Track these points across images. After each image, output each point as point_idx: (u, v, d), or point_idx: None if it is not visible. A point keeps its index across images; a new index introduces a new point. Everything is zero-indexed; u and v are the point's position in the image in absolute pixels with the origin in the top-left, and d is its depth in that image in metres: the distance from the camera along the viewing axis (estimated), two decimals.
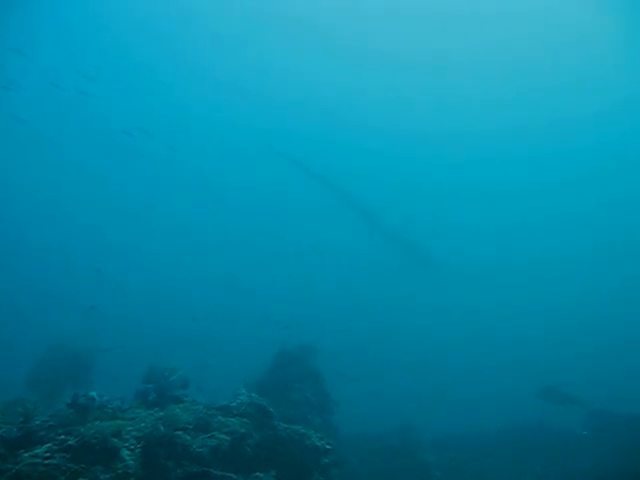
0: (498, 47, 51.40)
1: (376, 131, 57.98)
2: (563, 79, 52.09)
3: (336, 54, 55.13)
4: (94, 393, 10.45)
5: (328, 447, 11.24)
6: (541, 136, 56.26)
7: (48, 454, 8.30)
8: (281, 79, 56.78)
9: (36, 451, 8.34)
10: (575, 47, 48.91)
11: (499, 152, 57.57)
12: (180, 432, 9.76)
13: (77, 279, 36.09)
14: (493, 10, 48.55)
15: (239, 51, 54.50)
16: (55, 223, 46.95)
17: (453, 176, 56.61)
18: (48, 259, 41.25)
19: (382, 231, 36.55)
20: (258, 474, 9.85)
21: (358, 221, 37.97)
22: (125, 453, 8.64)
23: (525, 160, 57.25)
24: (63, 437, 8.75)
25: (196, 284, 40.26)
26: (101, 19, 48.01)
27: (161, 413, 10.30)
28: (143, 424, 9.88)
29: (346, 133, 57.88)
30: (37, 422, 9.46)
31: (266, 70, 56.01)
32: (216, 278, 40.66)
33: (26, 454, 8.24)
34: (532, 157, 57.28)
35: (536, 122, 55.57)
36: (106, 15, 47.86)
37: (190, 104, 57.06)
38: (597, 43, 46.38)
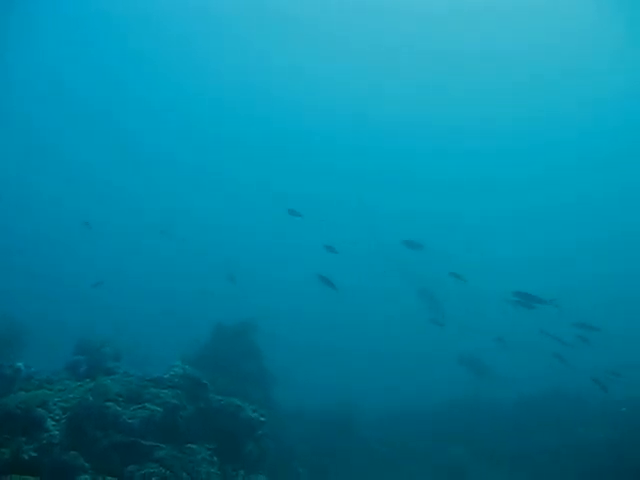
0: (497, 39, 51.73)
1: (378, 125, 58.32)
2: (562, 70, 52.65)
3: (337, 51, 54.79)
4: (21, 364, 10.17)
5: (262, 419, 11.32)
6: (540, 127, 57.15)
7: None
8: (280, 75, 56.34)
9: None
10: (574, 38, 49.41)
11: (497, 144, 58.40)
12: (110, 403, 9.59)
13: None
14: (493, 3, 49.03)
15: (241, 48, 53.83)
16: None
17: (453, 168, 57.32)
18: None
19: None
20: (191, 445, 9.82)
21: None
22: (50, 423, 8.43)
23: (522, 151, 58.07)
24: None
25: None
26: (103, 15, 46.65)
27: (91, 384, 10.10)
28: (71, 395, 9.67)
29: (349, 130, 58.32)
30: None
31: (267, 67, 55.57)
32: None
33: None
34: (530, 148, 58.06)
35: (533, 113, 56.29)
36: (108, 11, 46.53)
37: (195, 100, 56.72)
38: (596, 34, 46.74)
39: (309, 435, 17.23)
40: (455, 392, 21.58)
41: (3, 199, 40.01)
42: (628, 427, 17.32)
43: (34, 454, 7.73)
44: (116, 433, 8.84)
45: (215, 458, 9.94)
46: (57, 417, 8.72)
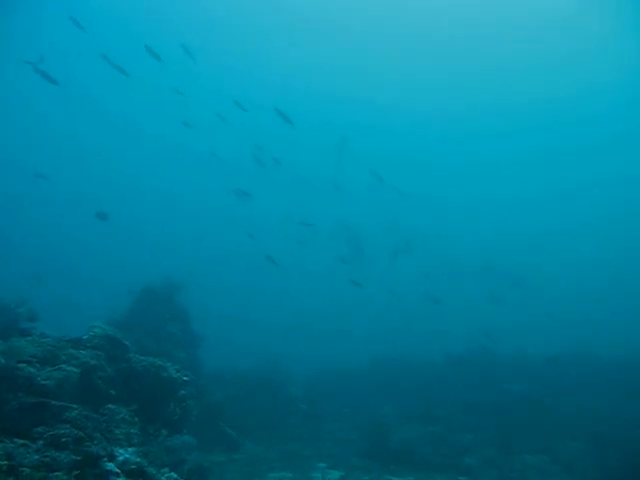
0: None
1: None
2: (552, 58, 53.31)
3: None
4: None
5: (185, 379, 11.25)
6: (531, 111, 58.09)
7: None
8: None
9: None
10: (564, 28, 49.82)
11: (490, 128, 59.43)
12: (23, 364, 9.24)
13: None
14: None
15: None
16: None
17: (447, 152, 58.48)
18: None
19: None
20: (110, 406, 9.64)
21: None
22: None
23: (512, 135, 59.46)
24: None
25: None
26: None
27: (3, 346, 9.70)
28: None
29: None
30: None
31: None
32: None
33: None
34: (519, 131, 59.56)
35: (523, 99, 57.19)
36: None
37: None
38: (585, 24, 47.42)
39: (237, 395, 17.34)
40: (381, 350, 22.21)
41: None
42: (541, 380, 18.53)
43: None
44: (28, 395, 8.53)
45: (136, 418, 9.81)
46: None
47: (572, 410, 17.43)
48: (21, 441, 7.07)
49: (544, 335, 26.93)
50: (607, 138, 57.47)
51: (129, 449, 7.99)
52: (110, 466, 7.26)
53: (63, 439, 7.26)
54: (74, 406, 8.14)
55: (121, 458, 7.65)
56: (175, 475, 8.14)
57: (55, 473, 6.80)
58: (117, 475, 7.19)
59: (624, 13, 39.55)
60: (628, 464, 13.93)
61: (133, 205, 43.63)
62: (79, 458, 7.10)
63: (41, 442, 7.13)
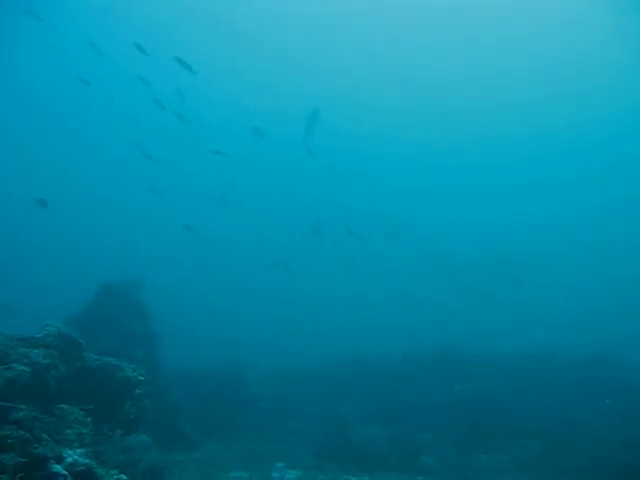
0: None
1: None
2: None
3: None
4: None
5: (141, 378, 11.14)
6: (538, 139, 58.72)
7: None
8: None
9: None
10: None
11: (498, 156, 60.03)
12: None
13: None
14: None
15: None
16: None
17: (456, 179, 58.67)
18: None
19: None
20: (62, 406, 9.47)
21: None
22: None
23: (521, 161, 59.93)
24: None
25: None
26: None
27: None
28: None
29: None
30: None
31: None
32: None
33: None
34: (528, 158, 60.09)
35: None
36: None
37: None
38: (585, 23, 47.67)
39: (198, 394, 17.25)
40: (344, 351, 22.28)
41: None
42: (501, 380, 18.87)
43: None
44: None
45: (88, 418, 9.65)
46: None
47: (530, 410, 17.78)
48: None
49: (505, 335, 27.40)
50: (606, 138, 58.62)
51: (78, 450, 7.86)
52: (57, 468, 7.14)
53: (9, 441, 7.09)
54: (21, 407, 7.95)
55: (69, 459, 7.53)
56: (124, 477, 8.03)
57: None
58: (64, 477, 7.07)
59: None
60: (583, 463, 14.28)
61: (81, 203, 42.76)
62: (25, 460, 6.96)
63: None
